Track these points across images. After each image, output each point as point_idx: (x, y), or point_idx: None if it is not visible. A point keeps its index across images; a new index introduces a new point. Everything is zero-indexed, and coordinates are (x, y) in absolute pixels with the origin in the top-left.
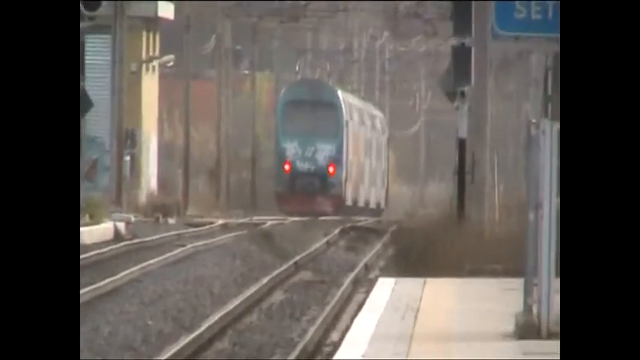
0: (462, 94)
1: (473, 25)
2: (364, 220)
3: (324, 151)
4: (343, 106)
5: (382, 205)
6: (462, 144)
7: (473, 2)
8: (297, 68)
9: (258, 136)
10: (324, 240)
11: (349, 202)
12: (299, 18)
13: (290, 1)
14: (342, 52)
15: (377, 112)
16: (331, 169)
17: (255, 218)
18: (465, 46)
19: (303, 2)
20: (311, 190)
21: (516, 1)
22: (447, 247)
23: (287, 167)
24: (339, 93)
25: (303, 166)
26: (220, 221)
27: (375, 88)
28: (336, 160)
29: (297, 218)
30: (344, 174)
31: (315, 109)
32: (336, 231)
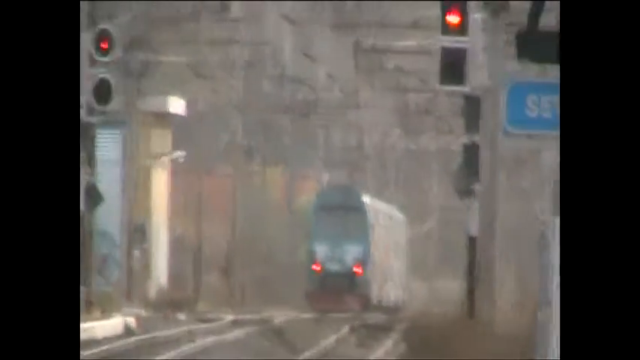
0: (472, 191)
1: (482, 123)
2: (373, 317)
3: (352, 252)
4: (369, 210)
5: (401, 303)
6: (472, 242)
7: (485, 99)
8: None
9: (270, 232)
10: (334, 337)
11: (374, 301)
12: (310, 114)
13: (301, 97)
14: (354, 148)
15: (397, 214)
16: (359, 270)
17: (266, 314)
18: (476, 144)
19: (313, 97)
20: (340, 289)
21: (528, 99)
22: (457, 344)
23: (317, 268)
24: (366, 198)
25: (332, 266)
26: (230, 317)
27: (388, 185)
28: (363, 261)
29: (308, 315)
30: (370, 274)
31: (344, 213)
32: (346, 328)
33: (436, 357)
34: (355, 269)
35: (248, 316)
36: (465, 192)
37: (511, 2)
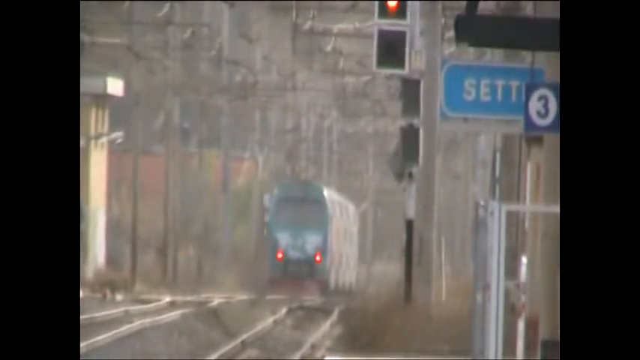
0: (410, 174)
1: (421, 106)
2: (311, 300)
3: (312, 241)
4: (328, 202)
5: (353, 286)
6: (409, 225)
7: (422, 83)
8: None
9: (206, 213)
10: (271, 319)
11: (332, 286)
12: (248, 96)
13: (239, 79)
14: (291, 130)
15: (350, 205)
16: (318, 257)
17: (204, 295)
18: (414, 127)
19: (251, 80)
20: (301, 275)
21: (465, 82)
22: (393, 326)
23: (280, 255)
24: (325, 192)
25: (294, 254)
26: (168, 298)
27: (323, 167)
28: (323, 249)
29: (245, 297)
30: (328, 261)
31: (305, 205)
32: (284, 310)
33: (372, 339)
34: (315, 257)
35: (185, 298)
36: (402, 175)
37: None
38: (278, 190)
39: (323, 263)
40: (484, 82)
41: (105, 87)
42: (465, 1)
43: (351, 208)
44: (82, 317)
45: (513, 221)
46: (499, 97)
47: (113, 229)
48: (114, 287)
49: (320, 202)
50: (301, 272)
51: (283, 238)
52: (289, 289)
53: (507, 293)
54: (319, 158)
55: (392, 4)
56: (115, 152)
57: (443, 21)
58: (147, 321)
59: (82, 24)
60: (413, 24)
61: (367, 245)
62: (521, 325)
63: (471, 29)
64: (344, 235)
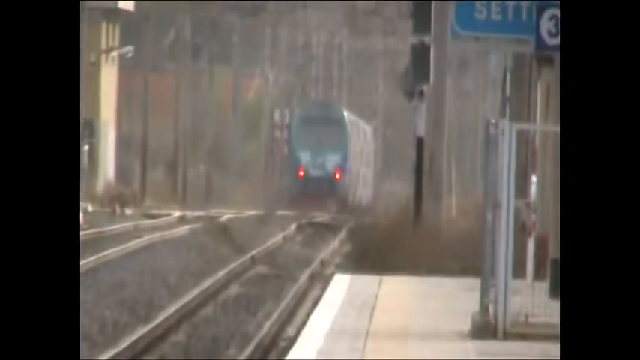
0: (421, 93)
1: (432, 25)
2: (320, 217)
3: (332, 160)
4: (347, 123)
5: (370, 203)
6: (419, 142)
7: (433, 2)
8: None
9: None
10: (281, 235)
11: (351, 202)
12: (258, 13)
13: None
14: (301, 48)
15: (367, 127)
16: (338, 175)
17: (213, 211)
18: (425, 45)
19: None
20: (321, 192)
21: (477, 2)
22: (403, 245)
23: (301, 173)
24: (345, 113)
25: (315, 172)
26: (177, 213)
27: (333, 85)
28: (342, 167)
29: (253, 212)
30: (348, 179)
31: (326, 125)
32: (293, 227)
33: (381, 257)
34: (335, 175)
35: (194, 213)
36: (413, 93)
37: None
38: (299, 111)
39: (342, 181)
40: (495, 1)
41: (115, 2)
42: None
43: (368, 129)
44: (91, 231)
45: (524, 140)
46: (510, 16)
47: (123, 144)
48: (123, 202)
49: (340, 123)
50: (321, 189)
51: (304, 157)
52: (310, 205)
53: (517, 212)
54: (329, 76)
55: None
56: (125, 68)
57: None
58: (156, 235)
59: None
60: None
61: (377, 163)
62: (531, 244)
63: None
64: (362, 155)
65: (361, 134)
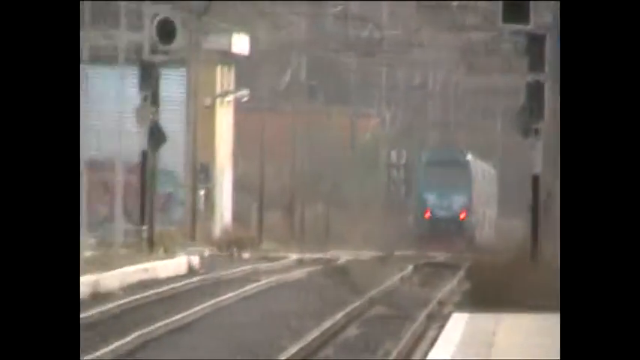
0: (536, 130)
1: (547, 62)
2: (439, 256)
3: (457, 201)
4: (471, 165)
5: (493, 242)
6: (536, 180)
7: (547, 37)
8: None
9: (334, 170)
10: (399, 275)
11: (476, 242)
12: (375, 53)
13: (365, 35)
14: (418, 87)
15: (491, 169)
16: (463, 215)
17: (330, 253)
18: (539, 83)
19: (378, 36)
20: (448, 232)
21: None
22: (521, 283)
23: (428, 214)
24: (468, 155)
25: (441, 213)
26: (295, 256)
27: (450, 124)
28: (468, 208)
29: (372, 253)
30: (473, 219)
31: (451, 168)
32: (411, 267)
33: (499, 296)
34: (461, 215)
35: (312, 255)
36: (529, 130)
37: None
38: (425, 154)
39: (467, 221)
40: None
41: (230, 44)
42: None
43: (491, 170)
44: (209, 275)
45: None
46: None
47: (240, 187)
48: (241, 245)
49: (464, 165)
50: (448, 229)
51: (431, 198)
52: (436, 245)
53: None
54: (446, 114)
55: None
56: (241, 111)
57: None
58: (273, 279)
59: None
60: None
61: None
62: None
63: None
64: (485, 195)
65: (484, 175)
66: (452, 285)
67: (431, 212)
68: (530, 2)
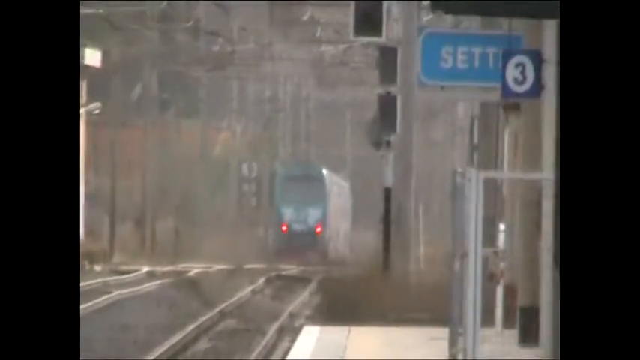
0: (388, 143)
1: (399, 74)
2: (290, 269)
3: (313, 215)
4: (327, 180)
5: (347, 254)
6: (387, 193)
7: (399, 51)
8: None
9: (185, 183)
10: (249, 289)
11: (331, 255)
12: (225, 66)
13: (216, 50)
14: (268, 100)
15: (345, 184)
16: (318, 229)
17: (181, 266)
18: (391, 95)
19: (229, 50)
20: (304, 246)
21: (443, 50)
22: (372, 295)
23: (284, 228)
24: (324, 171)
25: (297, 227)
26: (146, 268)
27: (301, 137)
28: (323, 222)
29: (222, 266)
30: (327, 233)
31: (307, 182)
32: (262, 279)
33: (351, 308)
34: (316, 229)
35: (163, 268)
36: (380, 143)
37: None
38: (281, 170)
39: (323, 235)
40: (461, 49)
41: (82, 58)
42: None
43: (345, 185)
44: None
45: (491, 188)
46: (476, 64)
47: (91, 200)
48: (92, 258)
49: (319, 180)
50: (304, 243)
51: (287, 213)
52: (293, 258)
53: (485, 261)
54: (296, 127)
55: None
56: (93, 123)
57: None
58: (125, 291)
59: None
60: None
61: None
62: (499, 292)
63: None
64: (339, 210)
65: (339, 190)
66: (303, 297)
67: (288, 226)
68: (383, 15)
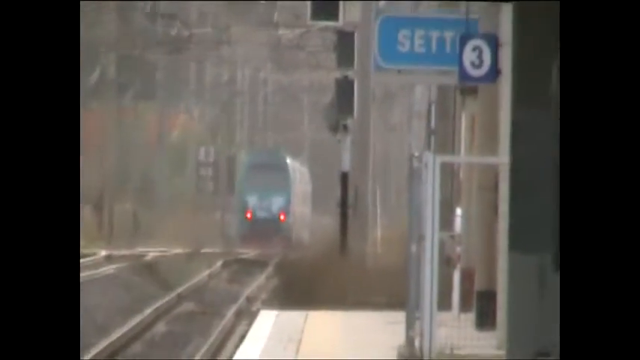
0: (345, 127)
1: (356, 58)
2: (246, 253)
3: (277, 202)
4: (290, 168)
5: (309, 239)
6: (344, 177)
7: (356, 34)
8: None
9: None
10: (207, 272)
11: (294, 241)
12: (183, 50)
13: (174, 33)
14: (226, 83)
15: (305, 169)
16: (282, 217)
17: (139, 249)
18: (348, 79)
19: (186, 33)
20: (268, 232)
21: (399, 34)
22: (329, 279)
23: (249, 215)
24: (287, 159)
25: (261, 214)
26: (104, 252)
27: (259, 120)
28: (286, 209)
29: (180, 251)
30: (291, 219)
31: (271, 171)
32: (219, 263)
33: (308, 291)
34: (280, 216)
35: (121, 252)
36: (337, 127)
37: None
38: (246, 157)
39: (286, 222)
40: (418, 33)
41: None
42: None
43: (306, 172)
44: None
45: (448, 172)
46: (433, 48)
47: None
48: None
49: (284, 168)
50: (268, 229)
51: (252, 200)
52: (257, 244)
53: (442, 245)
54: (254, 111)
55: None
56: None
57: None
58: (83, 275)
59: None
60: None
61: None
62: (456, 277)
63: None
64: (301, 196)
65: (301, 178)
66: (259, 282)
67: (252, 213)
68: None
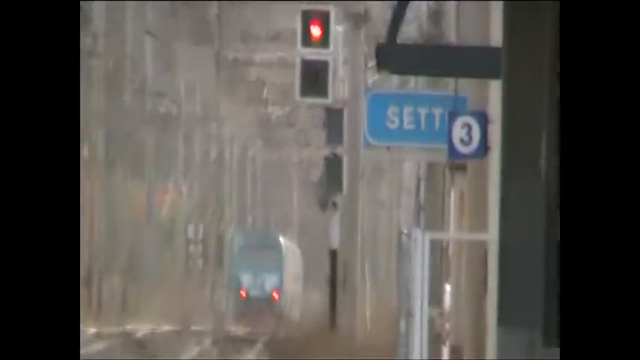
0: (334, 204)
1: (345, 135)
2: (236, 330)
3: (270, 281)
4: (283, 248)
5: (299, 317)
6: (333, 254)
7: (345, 112)
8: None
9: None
10: (197, 350)
11: (285, 318)
12: (171, 127)
13: (163, 110)
14: (214, 160)
15: (296, 247)
16: (276, 295)
17: (128, 326)
18: (337, 156)
19: (175, 111)
20: (261, 310)
21: (389, 111)
22: (318, 356)
23: (243, 293)
24: (280, 238)
25: (255, 292)
26: (92, 329)
27: (247, 197)
28: (279, 288)
29: (170, 327)
30: (283, 298)
31: (264, 250)
32: (209, 341)
33: None
34: (274, 294)
35: (110, 329)
36: (327, 204)
37: (372, 15)
38: (239, 237)
39: (279, 300)
40: (407, 110)
41: None
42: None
43: (297, 250)
44: None
45: (437, 248)
46: (422, 125)
47: None
48: None
49: (277, 247)
50: (261, 308)
51: (246, 279)
52: (251, 322)
53: (431, 321)
54: (243, 188)
55: (315, 32)
56: None
57: (366, 49)
58: None
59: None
60: (336, 53)
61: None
62: (445, 353)
63: (392, 57)
64: (293, 274)
65: (293, 256)
66: (251, 357)
67: (246, 292)
68: (329, 76)
